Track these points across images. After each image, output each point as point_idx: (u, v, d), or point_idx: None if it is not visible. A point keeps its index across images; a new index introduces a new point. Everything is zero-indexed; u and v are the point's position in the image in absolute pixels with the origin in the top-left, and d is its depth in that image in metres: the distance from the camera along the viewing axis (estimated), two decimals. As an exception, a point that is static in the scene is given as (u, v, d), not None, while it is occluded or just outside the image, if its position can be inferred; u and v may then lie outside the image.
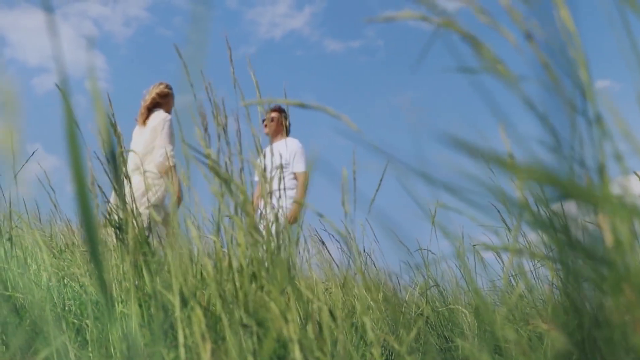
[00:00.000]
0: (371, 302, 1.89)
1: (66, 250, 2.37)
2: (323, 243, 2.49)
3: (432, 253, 2.04)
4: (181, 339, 0.96)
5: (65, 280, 1.80)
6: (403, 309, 2.01)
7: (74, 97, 0.52)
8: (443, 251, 2.19)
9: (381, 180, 1.40)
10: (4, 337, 1.27)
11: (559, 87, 0.59)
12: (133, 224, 1.26)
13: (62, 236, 2.66)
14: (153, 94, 3.93)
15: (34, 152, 2.13)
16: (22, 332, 1.26)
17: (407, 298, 2.14)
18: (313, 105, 0.81)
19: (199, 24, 0.56)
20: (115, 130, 1.37)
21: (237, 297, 1.03)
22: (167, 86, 4.02)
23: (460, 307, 1.97)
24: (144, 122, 3.90)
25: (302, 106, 0.81)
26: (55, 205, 2.53)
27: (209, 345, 0.92)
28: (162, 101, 3.96)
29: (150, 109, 3.92)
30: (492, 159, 0.41)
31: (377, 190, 1.38)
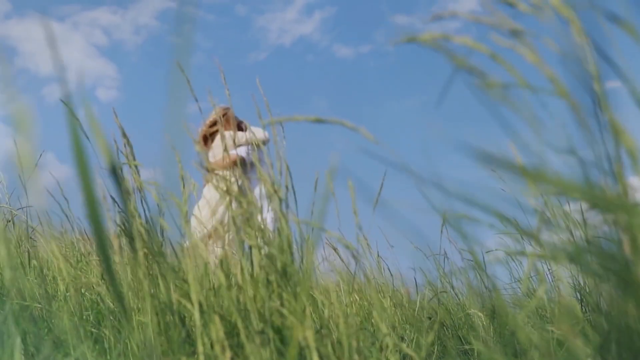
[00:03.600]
0: (385, 307, 1.88)
1: (82, 259, 2.39)
2: (335, 249, 2.49)
3: (447, 257, 2.04)
4: (200, 348, 0.97)
5: (82, 290, 1.81)
6: (416, 313, 2.01)
7: (84, 106, 0.52)
8: (458, 255, 2.18)
9: (382, 183, 1.40)
10: (24, 347, 1.28)
11: (571, 100, 0.59)
12: (142, 234, 1.26)
13: (77, 245, 2.68)
14: (204, 127, 3.77)
15: (39, 159, 2.14)
16: (44, 342, 1.27)
17: (420, 302, 2.13)
18: (330, 119, 0.81)
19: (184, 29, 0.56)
20: (128, 141, 1.38)
21: (253, 305, 1.03)
22: (222, 111, 3.76)
23: (475, 311, 1.96)
24: (206, 145, 3.78)
25: (320, 121, 0.82)
26: (67, 215, 2.55)
27: (228, 354, 0.92)
28: (216, 128, 3.79)
29: (208, 137, 3.80)
30: (511, 168, 0.41)
31: (379, 193, 1.37)
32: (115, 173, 0.37)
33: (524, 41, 0.62)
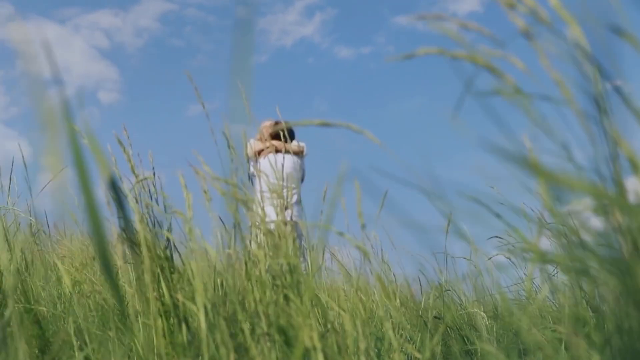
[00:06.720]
0: (391, 307, 1.89)
1: (87, 262, 2.40)
2: (334, 255, 2.50)
3: (452, 257, 2.04)
4: (205, 350, 0.97)
5: (87, 292, 1.82)
6: (421, 313, 2.01)
7: (86, 109, 0.53)
8: (462, 255, 2.18)
9: (385, 195, 1.39)
10: (30, 349, 1.28)
11: (572, 101, 0.59)
12: (147, 239, 1.27)
13: (83, 248, 2.69)
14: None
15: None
16: (49, 345, 1.27)
17: (424, 303, 2.13)
18: (337, 123, 0.81)
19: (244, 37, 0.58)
20: (124, 150, 1.40)
21: (258, 307, 1.04)
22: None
23: (478, 311, 1.96)
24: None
25: (326, 125, 0.82)
26: (73, 218, 2.56)
27: (232, 356, 0.93)
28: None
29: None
30: (522, 162, 0.42)
31: (384, 197, 1.37)
32: (114, 187, 0.37)
33: (535, 44, 0.63)
